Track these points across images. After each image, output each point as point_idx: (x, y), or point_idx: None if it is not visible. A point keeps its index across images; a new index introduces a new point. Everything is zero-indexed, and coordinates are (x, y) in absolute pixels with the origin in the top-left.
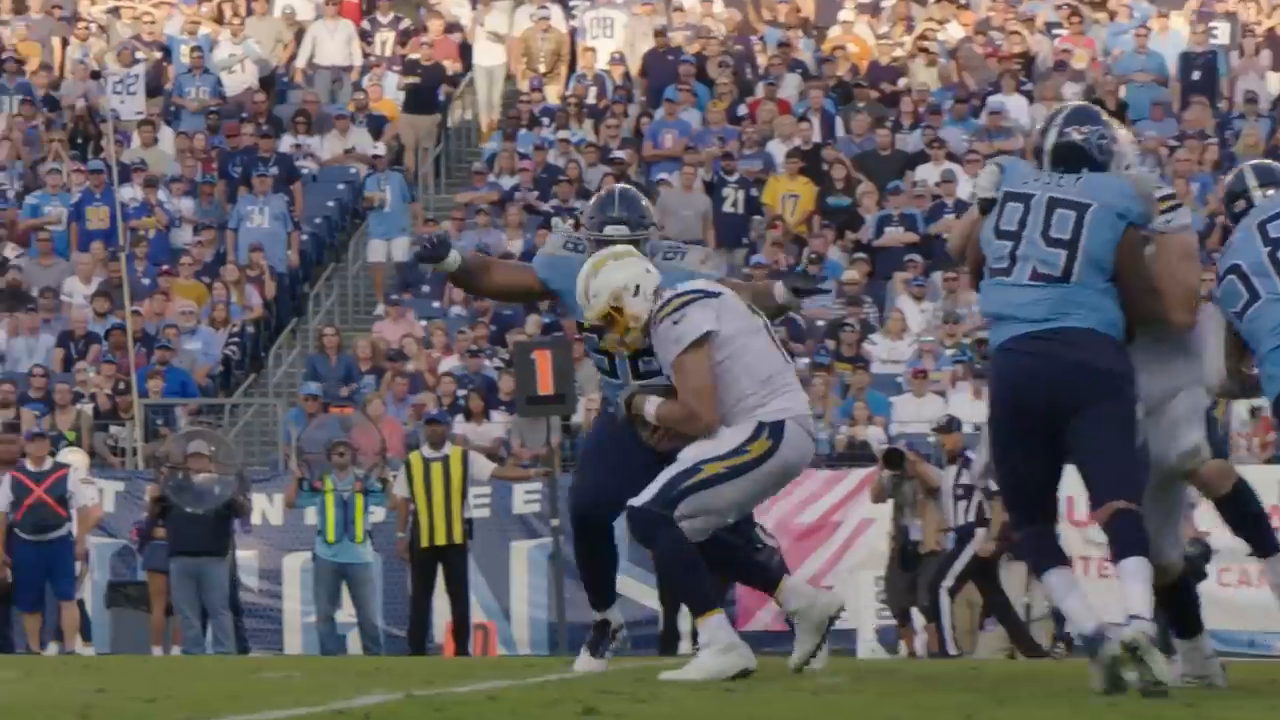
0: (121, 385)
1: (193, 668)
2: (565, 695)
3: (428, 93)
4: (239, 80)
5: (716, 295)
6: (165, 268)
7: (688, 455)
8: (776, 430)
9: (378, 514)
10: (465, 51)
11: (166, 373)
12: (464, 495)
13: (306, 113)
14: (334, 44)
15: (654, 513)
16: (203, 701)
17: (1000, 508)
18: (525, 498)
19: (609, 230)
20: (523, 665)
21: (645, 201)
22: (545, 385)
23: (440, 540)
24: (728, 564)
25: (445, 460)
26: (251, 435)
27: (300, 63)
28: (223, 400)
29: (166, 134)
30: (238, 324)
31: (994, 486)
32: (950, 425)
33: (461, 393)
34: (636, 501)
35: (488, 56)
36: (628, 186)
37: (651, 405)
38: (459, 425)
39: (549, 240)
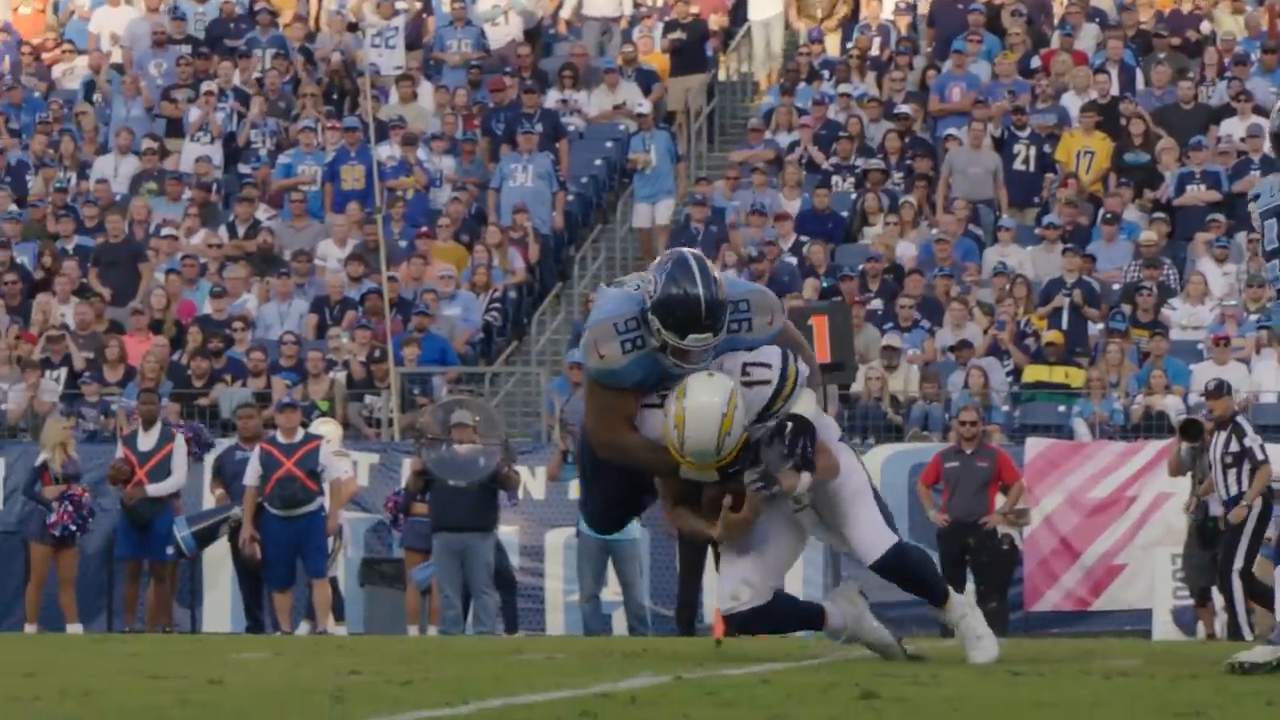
0: (377, 353)
1: (451, 649)
2: (842, 678)
3: (694, 50)
4: (503, 33)
5: None
6: (424, 230)
7: (858, 484)
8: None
9: None
10: (738, 5)
11: (424, 340)
12: None
13: (573, 66)
14: None
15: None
16: (462, 683)
17: (1265, 476)
18: None
19: (692, 340)
20: (797, 647)
21: (719, 279)
22: (823, 352)
23: None
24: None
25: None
26: (513, 405)
27: (566, 14)
28: (483, 369)
29: (426, 89)
30: (499, 289)
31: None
32: (1220, 389)
33: None
34: (878, 553)
35: (763, 8)
36: (708, 277)
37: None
38: None
39: (606, 349)
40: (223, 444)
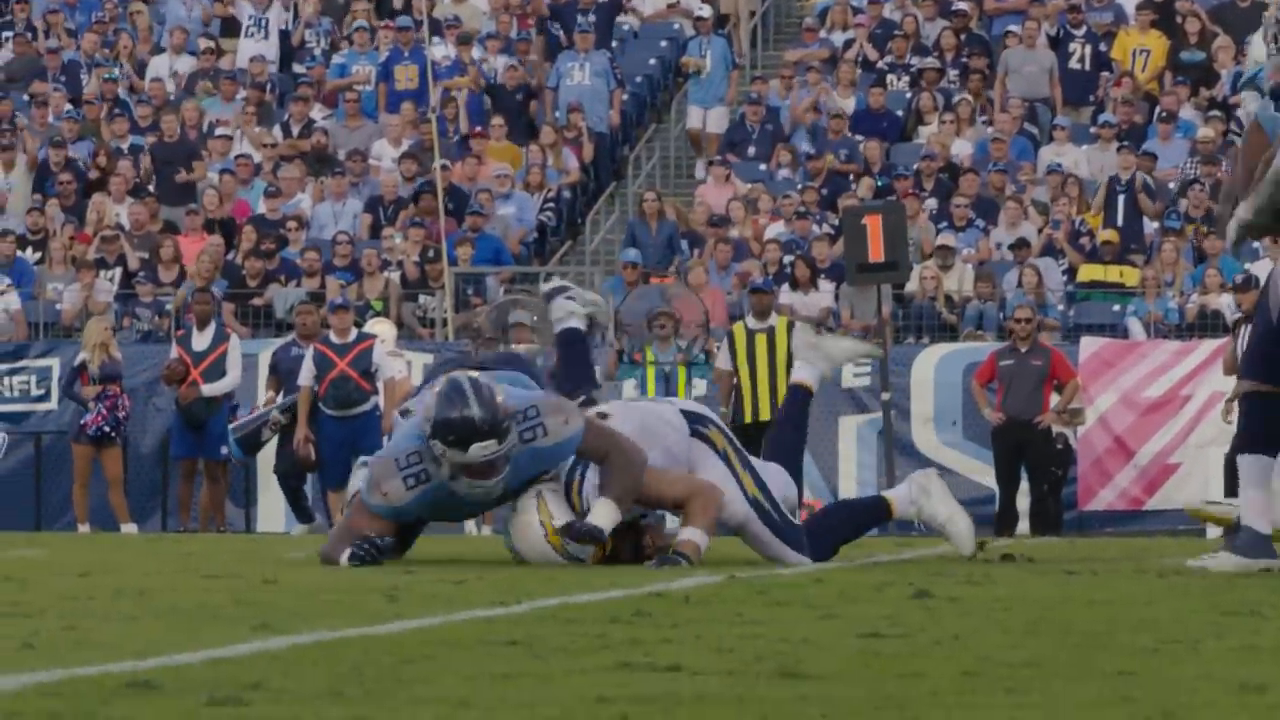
0: (431, 253)
1: (505, 549)
2: (896, 578)
3: None
4: None
5: None
6: (478, 129)
7: (737, 513)
8: (699, 419)
9: (699, 387)
10: None
11: (478, 240)
12: (789, 368)
13: None
14: None
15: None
16: (515, 583)
17: None
18: (854, 371)
19: (475, 451)
20: (850, 546)
21: (496, 393)
22: (876, 252)
23: (764, 415)
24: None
25: (770, 332)
26: None
27: None
28: (537, 268)
29: None
30: (553, 188)
31: None
32: (1247, 283)
33: (788, 260)
34: (806, 559)
35: None
36: (478, 389)
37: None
38: (785, 294)
39: (388, 487)
40: (276, 342)
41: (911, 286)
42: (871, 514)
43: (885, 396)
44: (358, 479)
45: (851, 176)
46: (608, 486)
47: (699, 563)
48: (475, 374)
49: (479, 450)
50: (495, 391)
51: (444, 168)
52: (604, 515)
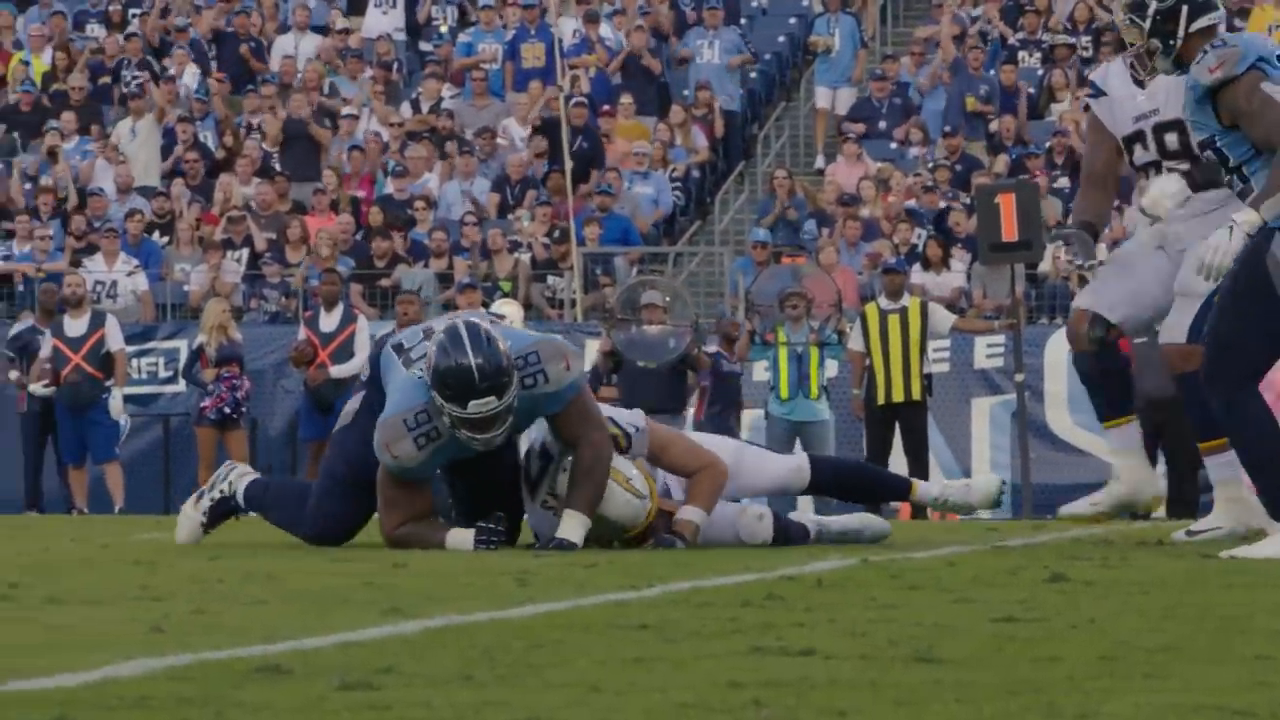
0: (558, 233)
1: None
2: (1030, 561)
3: None
4: None
5: None
6: (606, 108)
7: (737, 459)
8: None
9: (831, 368)
10: None
11: (607, 219)
12: (923, 349)
13: None
14: None
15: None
16: (647, 567)
17: None
18: (987, 351)
19: (474, 407)
20: (984, 530)
21: (498, 341)
22: (1010, 231)
23: (898, 397)
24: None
25: (903, 312)
26: (697, 285)
27: None
28: (666, 248)
29: None
30: (681, 167)
31: None
32: None
33: (920, 238)
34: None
35: None
36: (478, 337)
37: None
38: (917, 274)
39: (399, 449)
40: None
41: (1044, 266)
42: (890, 485)
43: (1019, 378)
44: None
45: (984, 153)
46: (575, 496)
47: (695, 543)
48: (475, 319)
49: (478, 406)
50: (496, 338)
51: (573, 156)
52: (575, 528)
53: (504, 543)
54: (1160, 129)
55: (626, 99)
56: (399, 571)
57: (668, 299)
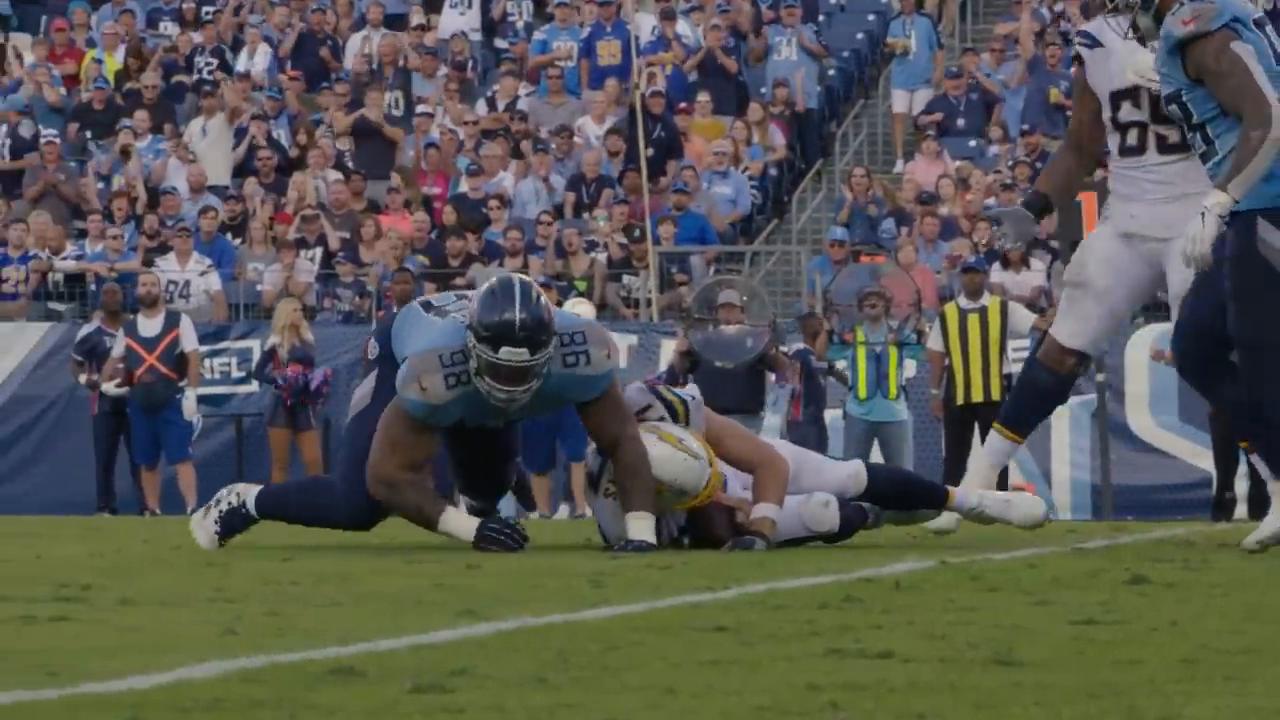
0: (636, 232)
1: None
2: (1110, 563)
3: None
4: None
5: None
6: (682, 106)
7: (798, 462)
8: None
9: (910, 368)
10: None
11: (683, 218)
12: (1003, 349)
13: None
14: None
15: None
16: (724, 568)
17: None
18: None
19: (505, 353)
20: (1064, 531)
21: (544, 302)
22: (1090, 229)
23: (977, 397)
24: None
25: (983, 311)
26: (774, 284)
27: None
28: (743, 247)
29: None
30: (758, 166)
31: None
32: None
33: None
34: (859, 481)
35: None
36: (526, 291)
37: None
38: (996, 273)
39: (429, 382)
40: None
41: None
42: (927, 493)
43: (1099, 378)
44: None
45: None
46: (630, 499)
47: (774, 541)
48: (528, 279)
49: (509, 354)
50: (546, 301)
51: (649, 154)
52: (644, 528)
53: (513, 549)
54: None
55: (704, 97)
56: (472, 573)
57: (745, 298)
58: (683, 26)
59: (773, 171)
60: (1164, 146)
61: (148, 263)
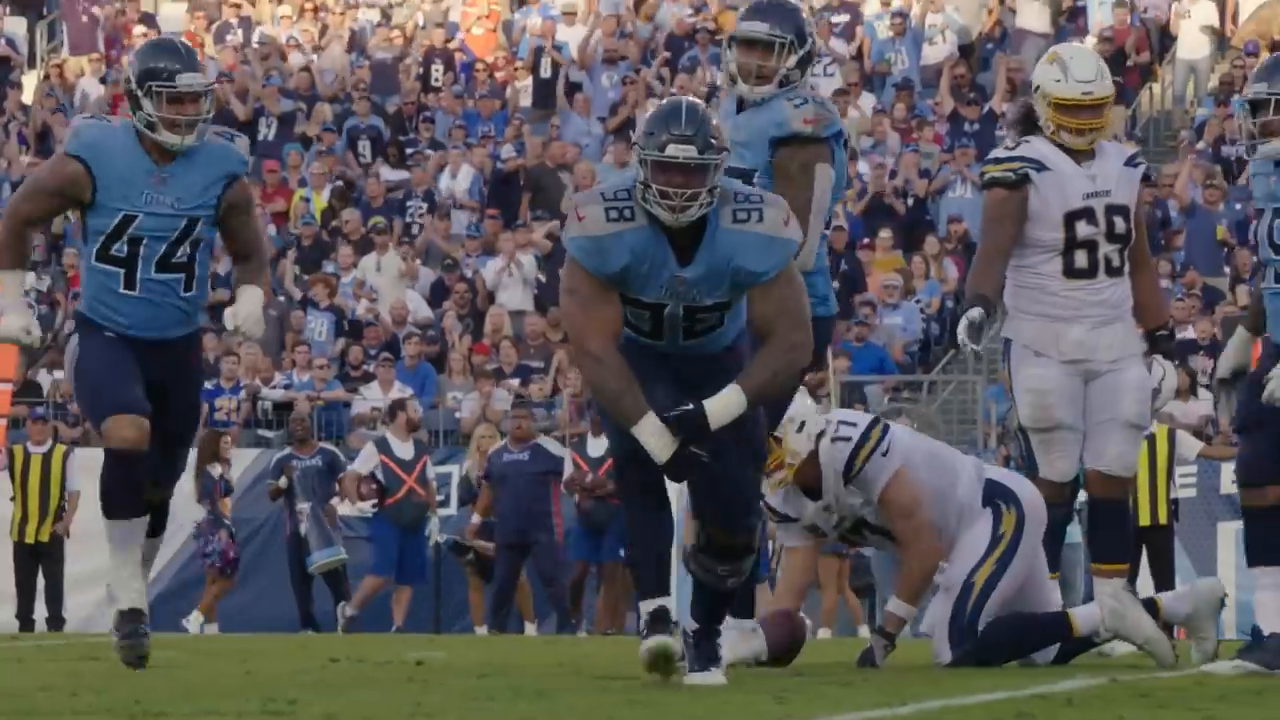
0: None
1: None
2: (1277, 682)
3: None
4: (938, 50)
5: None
6: (865, 241)
7: (952, 578)
8: (1006, 494)
9: (1081, 495)
10: (1161, 35)
11: (862, 350)
12: (1170, 474)
13: (1011, 81)
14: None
15: (969, 654)
16: (900, 685)
17: None
18: (1234, 477)
19: (672, 149)
20: (1228, 649)
21: (716, 120)
22: (1256, 360)
23: (1144, 521)
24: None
25: (1151, 439)
26: (950, 413)
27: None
28: (921, 377)
29: (867, 101)
30: (935, 302)
31: None
32: None
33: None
34: (944, 660)
35: (1193, 46)
36: (696, 101)
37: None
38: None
39: (587, 211)
40: None
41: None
42: (1047, 631)
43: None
44: None
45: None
46: (745, 377)
47: (896, 639)
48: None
49: (676, 149)
50: (716, 122)
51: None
52: (722, 406)
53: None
54: (1112, 210)
55: (885, 233)
56: (661, 689)
57: (917, 425)
58: (862, 166)
59: (949, 304)
60: (1109, 269)
61: (351, 390)
